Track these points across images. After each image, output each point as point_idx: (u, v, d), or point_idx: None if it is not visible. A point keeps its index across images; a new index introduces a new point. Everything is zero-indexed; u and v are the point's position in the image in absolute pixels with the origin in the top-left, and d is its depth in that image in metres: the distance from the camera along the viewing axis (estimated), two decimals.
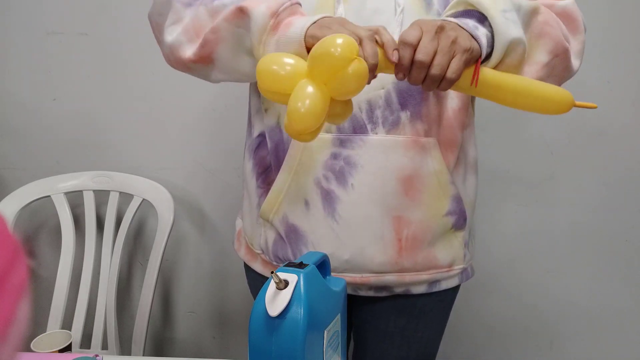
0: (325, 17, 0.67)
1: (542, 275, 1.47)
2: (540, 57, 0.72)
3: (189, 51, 0.75)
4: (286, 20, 0.68)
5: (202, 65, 0.76)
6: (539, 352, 1.52)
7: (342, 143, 0.77)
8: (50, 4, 1.37)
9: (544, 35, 0.72)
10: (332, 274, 0.80)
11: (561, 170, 1.40)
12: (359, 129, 0.76)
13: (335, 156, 0.77)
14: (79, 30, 1.38)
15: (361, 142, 0.76)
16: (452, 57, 0.63)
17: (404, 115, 0.76)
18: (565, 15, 0.76)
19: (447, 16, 0.69)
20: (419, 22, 0.64)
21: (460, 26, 0.65)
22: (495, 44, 0.67)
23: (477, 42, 0.65)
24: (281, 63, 0.63)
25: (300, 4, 0.71)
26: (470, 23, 0.66)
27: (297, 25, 0.66)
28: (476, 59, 0.66)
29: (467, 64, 0.64)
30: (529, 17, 0.71)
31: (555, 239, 1.44)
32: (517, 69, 0.71)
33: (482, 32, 0.66)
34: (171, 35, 0.76)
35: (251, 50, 0.71)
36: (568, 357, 1.52)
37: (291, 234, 0.81)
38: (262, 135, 0.85)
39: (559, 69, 0.75)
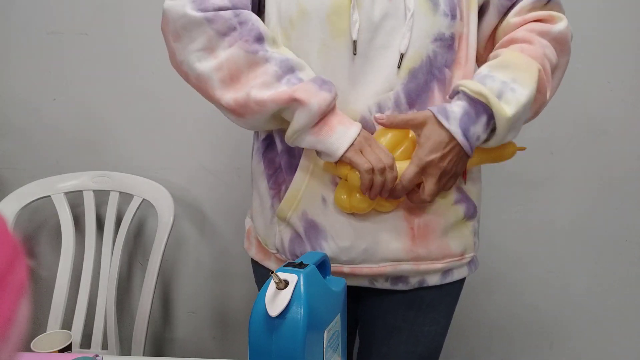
0: (358, 136, 0.75)
1: (542, 275, 1.47)
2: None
3: (223, 96, 0.76)
4: (329, 123, 0.75)
5: (235, 116, 0.79)
6: (539, 352, 1.52)
7: None
8: (50, 4, 1.37)
9: (533, 104, 0.79)
10: (351, 266, 0.83)
11: (561, 170, 1.40)
12: (369, 130, 0.79)
13: None
14: (79, 30, 1.38)
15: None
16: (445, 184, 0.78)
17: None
18: (558, 41, 0.82)
19: (463, 90, 0.76)
20: (424, 161, 0.76)
21: (460, 146, 0.75)
22: (486, 145, 0.79)
23: (469, 153, 0.76)
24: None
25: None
26: (474, 137, 0.76)
27: (335, 139, 0.75)
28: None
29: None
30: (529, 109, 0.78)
31: (555, 238, 1.44)
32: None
33: (480, 141, 0.78)
34: (201, 63, 0.76)
35: (283, 121, 0.78)
36: (568, 357, 1.52)
37: (310, 230, 0.83)
38: (269, 138, 0.86)
39: (534, 112, 0.84)
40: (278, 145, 0.84)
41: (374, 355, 0.92)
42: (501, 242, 1.45)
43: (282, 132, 0.83)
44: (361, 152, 0.74)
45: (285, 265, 0.67)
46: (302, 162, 0.81)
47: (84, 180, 1.36)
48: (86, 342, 1.31)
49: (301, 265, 0.67)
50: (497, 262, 1.46)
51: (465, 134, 0.74)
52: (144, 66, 1.39)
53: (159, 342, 1.58)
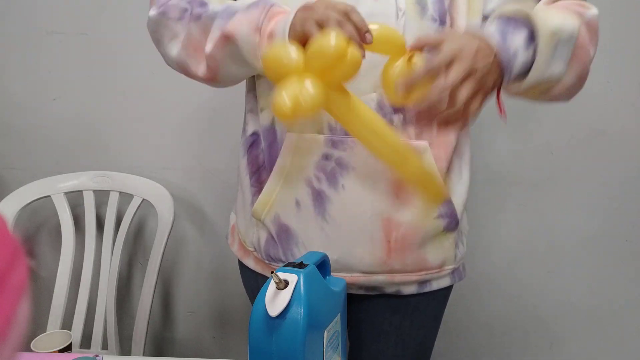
0: (297, 12, 0.68)
1: (542, 275, 1.47)
2: (567, 78, 0.71)
3: (198, 70, 0.79)
4: (268, 30, 0.69)
5: (211, 82, 0.81)
6: (539, 352, 1.52)
7: (334, 144, 0.77)
8: (50, 4, 1.37)
9: (576, 59, 0.70)
10: None
11: (561, 170, 1.40)
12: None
13: (327, 157, 0.78)
14: (79, 30, 1.38)
15: (353, 143, 0.77)
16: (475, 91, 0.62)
17: (397, 119, 0.77)
18: (590, 26, 0.74)
19: (502, 14, 0.68)
20: (463, 37, 0.63)
21: (496, 56, 0.63)
22: (529, 76, 0.66)
23: (501, 73, 0.64)
24: (283, 56, 0.66)
25: (274, 4, 0.72)
26: (511, 49, 0.64)
27: (278, 33, 0.68)
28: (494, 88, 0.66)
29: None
30: (573, 42, 0.69)
31: (555, 239, 1.44)
32: (536, 95, 0.72)
33: (519, 62, 0.65)
34: (172, 51, 0.80)
35: (250, 64, 0.74)
36: (568, 357, 1.52)
37: (282, 234, 0.82)
38: (255, 134, 0.85)
39: (575, 90, 0.76)
40: (263, 143, 0.83)
41: (364, 357, 0.92)
42: (501, 242, 1.45)
43: (268, 129, 0.82)
44: (306, 19, 0.66)
45: (285, 265, 0.67)
46: (278, 163, 0.80)
47: (84, 180, 1.36)
48: (86, 342, 1.31)
49: (301, 265, 0.67)
50: (496, 262, 1.46)
51: (504, 36, 0.64)
52: (143, 66, 1.39)
53: (159, 342, 1.58)
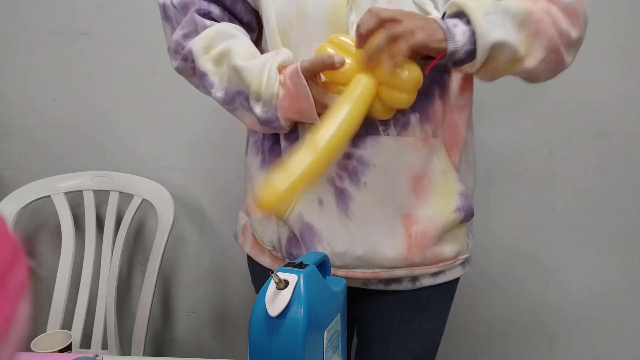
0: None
1: (542, 275, 1.47)
2: (537, 53, 0.74)
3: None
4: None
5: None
6: (539, 352, 1.52)
7: (354, 143, 0.78)
8: (50, 4, 1.37)
9: (540, 33, 0.73)
10: (346, 270, 0.82)
11: (561, 170, 1.40)
12: (371, 130, 0.78)
13: (348, 156, 0.79)
14: (79, 30, 1.38)
15: (373, 141, 0.78)
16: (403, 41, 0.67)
17: (414, 118, 0.79)
18: (568, 11, 0.77)
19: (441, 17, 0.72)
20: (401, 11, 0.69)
21: (435, 21, 0.69)
22: (477, 45, 0.69)
23: (444, 35, 0.68)
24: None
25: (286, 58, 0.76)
26: (450, 21, 0.69)
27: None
28: (440, 52, 0.69)
29: (423, 53, 0.68)
30: (522, 18, 0.72)
31: (555, 238, 1.44)
32: (509, 68, 0.73)
33: (460, 30, 0.69)
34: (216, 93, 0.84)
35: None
36: (568, 357, 1.52)
37: (306, 232, 0.83)
38: (276, 134, 0.85)
39: (553, 64, 0.78)
40: (283, 143, 0.84)
41: (373, 354, 0.93)
42: (501, 242, 1.45)
43: (291, 130, 0.82)
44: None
45: (285, 265, 0.67)
46: None
47: (84, 180, 1.36)
48: (86, 342, 1.31)
49: (301, 265, 0.67)
50: (496, 262, 1.46)
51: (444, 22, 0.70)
52: (143, 66, 1.39)
53: (159, 342, 1.58)
